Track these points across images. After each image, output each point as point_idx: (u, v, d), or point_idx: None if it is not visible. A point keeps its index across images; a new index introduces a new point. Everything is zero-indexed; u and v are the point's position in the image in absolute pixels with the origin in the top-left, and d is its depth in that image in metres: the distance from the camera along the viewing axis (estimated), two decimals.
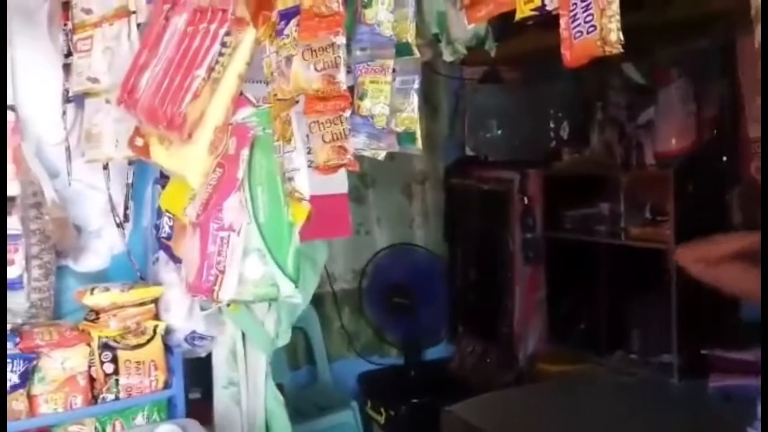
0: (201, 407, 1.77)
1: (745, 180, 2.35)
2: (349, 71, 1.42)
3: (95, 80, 1.51)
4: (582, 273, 2.79)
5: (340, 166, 1.53)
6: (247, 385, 1.77)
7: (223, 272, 1.30)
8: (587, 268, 2.75)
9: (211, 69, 1.30)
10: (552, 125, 3.28)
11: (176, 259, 1.51)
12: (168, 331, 1.61)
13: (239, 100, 1.39)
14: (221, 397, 1.76)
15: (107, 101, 1.51)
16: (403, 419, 2.84)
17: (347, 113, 1.44)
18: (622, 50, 1.05)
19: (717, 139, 2.44)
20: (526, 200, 2.96)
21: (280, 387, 1.88)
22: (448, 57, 2.10)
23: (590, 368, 2.75)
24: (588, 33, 1.08)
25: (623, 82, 2.82)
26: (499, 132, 3.37)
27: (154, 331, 1.57)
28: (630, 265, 2.64)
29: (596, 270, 2.73)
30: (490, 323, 3.11)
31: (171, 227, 1.53)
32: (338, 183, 1.76)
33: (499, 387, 2.79)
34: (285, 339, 1.77)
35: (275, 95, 1.37)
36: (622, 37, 1.06)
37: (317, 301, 3.07)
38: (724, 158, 2.41)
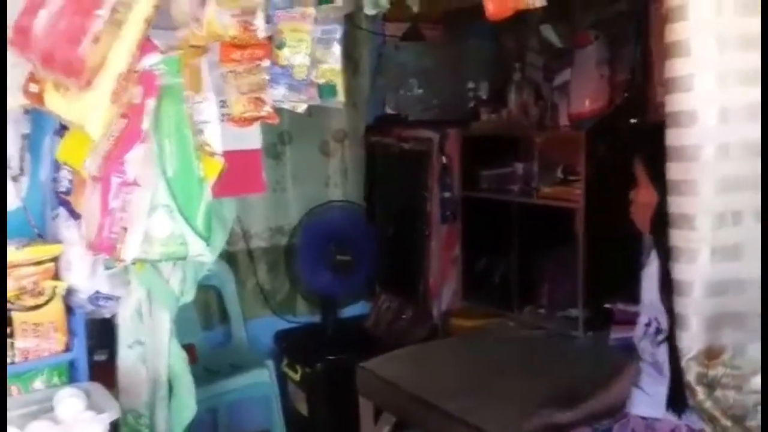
0: (107, 369, 1.71)
1: None
2: (268, 21, 1.35)
3: None
4: (496, 231, 2.85)
5: (258, 118, 1.48)
6: (153, 345, 1.71)
7: (126, 229, 1.22)
8: (501, 226, 2.81)
9: (113, 10, 1.20)
10: (471, 85, 3.30)
11: (76, 215, 1.41)
12: (70, 292, 1.52)
13: (146, 45, 1.29)
14: (126, 357, 1.69)
15: None
16: (319, 376, 2.84)
17: (265, 63, 1.38)
18: (545, 4, 1.04)
19: (628, 102, 2.52)
20: (444, 160, 2.98)
21: (191, 347, 1.83)
22: (369, 10, 2.02)
23: (501, 323, 2.84)
24: None
25: (541, 44, 2.85)
26: (420, 91, 3.35)
27: (54, 292, 1.47)
28: (541, 224, 2.72)
29: (509, 228, 2.80)
30: (406, 281, 3.14)
31: (70, 181, 1.43)
32: (252, 138, 1.69)
33: (413, 343, 2.83)
34: (189, 296, 1.72)
35: (187, 41, 1.29)
36: None
37: (232, 259, 3.00)
38: (634, 121, 2.50)
